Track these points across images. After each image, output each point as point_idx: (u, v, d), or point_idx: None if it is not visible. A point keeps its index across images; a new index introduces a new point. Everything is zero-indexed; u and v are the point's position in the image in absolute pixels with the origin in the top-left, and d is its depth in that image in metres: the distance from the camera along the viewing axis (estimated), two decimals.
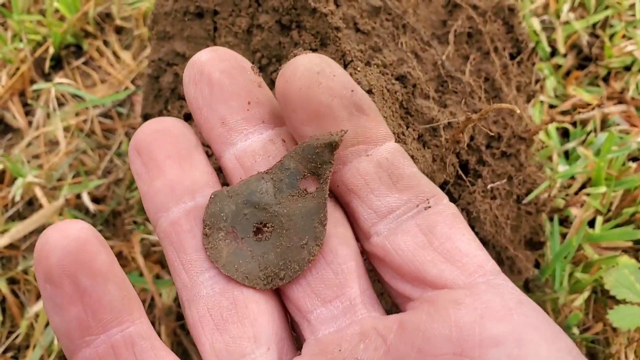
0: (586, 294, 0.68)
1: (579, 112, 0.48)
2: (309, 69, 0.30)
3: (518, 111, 0.36)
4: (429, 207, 0.32)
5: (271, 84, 0.57)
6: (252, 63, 0.57)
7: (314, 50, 0.54)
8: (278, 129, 0.35)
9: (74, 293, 0.28)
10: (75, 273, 0.28)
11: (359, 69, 0.51)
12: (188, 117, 0.58)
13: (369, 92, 0.50)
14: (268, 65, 0.56)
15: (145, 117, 0.62)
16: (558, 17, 0.89)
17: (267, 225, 0.33)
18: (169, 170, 0.33)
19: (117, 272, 0.30)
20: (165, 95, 0.59)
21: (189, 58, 0.58)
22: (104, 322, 0.29)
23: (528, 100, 0.68)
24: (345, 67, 0.53)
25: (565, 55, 0.86)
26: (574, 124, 0.81)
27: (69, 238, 0.28)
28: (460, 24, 0.63)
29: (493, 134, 0.59)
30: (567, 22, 0.88)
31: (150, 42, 0.62)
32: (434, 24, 0.66)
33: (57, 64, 0.95)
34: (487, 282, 0.29)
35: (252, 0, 0.55)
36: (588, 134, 0.78)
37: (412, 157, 0.51)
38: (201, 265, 0.33)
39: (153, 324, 0.72)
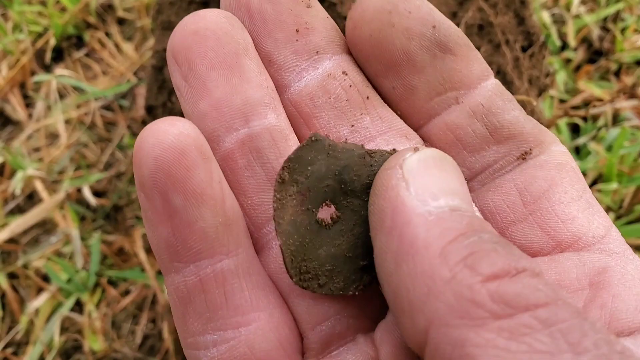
0: None
1: (594, 106, 0.47)
2: (380, 9, 0.25)
3: (535, 103, 0.34)
4: (530, 157, 0.26)
5: None
6: None
7: None
8: (337, 57, 0.27)
9: (164, 211, 0.24)
10: (166, 189, 0.23)
11: None
12: None
13: None
14: None
15: (149, 109, 0.61)
16: (568, 10, 0.87)
17: (337, 211, 0.25)
18: (214, 86, 0.26)
19: (215, 194, 0.24)
20: (169, 86, 0.58)
21: None
22: (194, 252, 0.24)
23: (539, 94, 0.66)
24: None
25: (575, 49, 0.85)
26: (584, 119, 0.80)
27: (163, 146, 0.23)
28: (470, 15, 0.61)
29: None
30: (577, 16, 0.86)
31: (153, 33, 0.61)
32: (445, 16, 0.64)
33: (58, 55, 0.93)
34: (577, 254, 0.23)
35: None
36: (599, 129, 0.77)
37: None
38: (266, 211, 0.26)
39: (154, 321, 0.71)
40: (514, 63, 0.62)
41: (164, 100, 0.58)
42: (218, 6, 0.53)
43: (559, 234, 0.24)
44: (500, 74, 0.61)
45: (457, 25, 0.63)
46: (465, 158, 0.26)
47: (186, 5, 0.56)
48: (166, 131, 0.23)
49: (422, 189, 0.20)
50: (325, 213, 0.25)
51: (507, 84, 0.61)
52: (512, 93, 0.61)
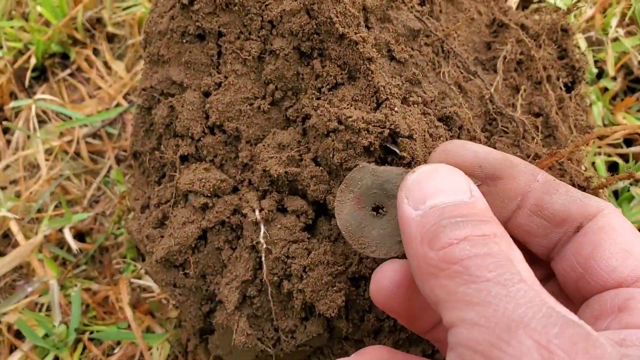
0: None
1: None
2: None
3: (639, 176, 0.38)
4: (582, 228, 0.33)
5: (286, 121, 0.47)
6: (264, 96, 0.48)
7: (340, 85, 0.44)
8: None
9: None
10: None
11: (396, 109, 0.42)
12: (185, 159, 0.48)
13: (410, 137, 0.40)
14: (282, 100, 0.46)
15: (135, 155, 0.52)
16: (605, 32, 0.79)
17: (383, 208, 0.38)
18: None
19: None
20: (158, 130, 0.49)
21: (187, 88, 0.49)
22: None
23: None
24: (378, 106, 0.43)
25: (614, 78, 0.76)
26: (625, 157, 0.72)
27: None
28: (509, 48, 0.53)
29: None
30: (615, 39, 0.78)
31: (144, 64, 0.53)
32: (477, 47, 0.56)
33: (42, 74, 0.85)
34: None
35: (264, 22, 0.45)
36: None
37: None
38: None
39: None
40: (558, 104, 0.54)
41: (152, 147, 0.50)
42: (215, 39, 0.44)
43: (607, 282, 0.31)
44: (543, 116, 0.53)
45: (492, 58, 0.55)
46: (539, 242, 0.35)
47: (178, 37, 0.47)
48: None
49: (414, 199, 0.31)
50: (376, 209, 0.38)
51: (551, 128, 0.52)
52: (557, 140, 0.53)
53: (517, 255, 0.29)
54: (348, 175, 0.39)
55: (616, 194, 0.69)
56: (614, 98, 0.77)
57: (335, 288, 0.42)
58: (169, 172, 0.49)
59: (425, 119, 0.43)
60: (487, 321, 0.25)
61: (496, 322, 0.25)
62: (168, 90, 0.49)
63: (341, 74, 0.44)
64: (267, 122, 0.47)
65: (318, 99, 0.44)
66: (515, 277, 0.26)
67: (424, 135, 0.42)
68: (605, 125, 0.74)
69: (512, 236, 0.33)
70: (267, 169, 0.44)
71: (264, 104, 0.46)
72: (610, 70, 0.75)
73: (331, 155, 0.42)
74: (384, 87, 0.43)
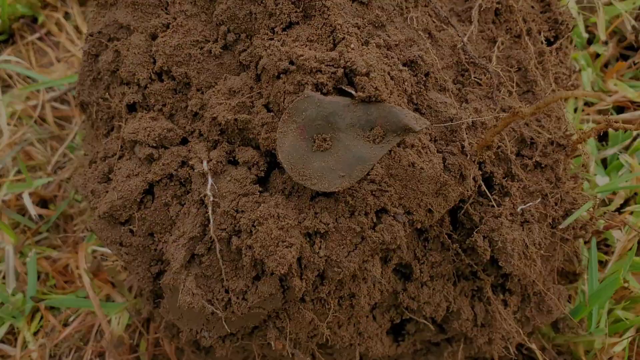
0: (630, 336, 0.55)
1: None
2: None
3: (607, 100, 0.29)
4: None
5: (240, 67, 0.44)
6: (216, 39, 0.44)
7: (294, 24, 0.40)
8: None
9: None
10: None
11: (352, 46, 0.38)
12: (132, 108, 0.45)
13: (366, 74, 0.37)
14: (235, 43, 0.43)
15: (82, 106, 0.49)
16: None
17: (327, 141, 0.37)
18: None
19: None
20: (104, 78, 0.46)
21: (134, 31, 0.45)
22: None
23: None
24: (334, 46, 0.39)
25: (605, 43, 0.72)
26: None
27: None
28: None
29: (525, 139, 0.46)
30: (609, 3, 0.74)
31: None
32: None
33: (10, 37, 0.81)
34: None
35: None
36: (634, 138, 0.65)
37: (412, 164, 0.38)
38: None
39: (102, 354, 0.60)
40: (538, 58, 0.50)
41: (99, 96, 0.47)
42: None
43: None
44: (521, 71, 0.49)
45: (469, 9, 0.51)
46: None
47: None
48: None
49: None
50: (320, 142, 0.37)
51: (529, 83, 0.49)
52: (535, 95, 0.49)
53: None
54: (291, 105, 0.37)
55: (605, 163, 0.66)
56: (605, 65, 0.73)
57: (285, 243, 0.39)
58: (117, 123, 0.46)
59: (386, 61, 0.40)
60: None
61: None
62: (115, 35, 0.45)
63: (296, 11, 0.40)
64: (219, 67, 0.43)
65: (271, 39, 0.41)
66: None
67: (384, 77, 0.39)
68: (594, 92, 0.70)
69: None
70: (215, 115, 0.41)
71: (215, 47, 0.43)
72: (602, 34, 0.71)
73: (282, 99, 0.38)
74: (340, 26, 0.39)
